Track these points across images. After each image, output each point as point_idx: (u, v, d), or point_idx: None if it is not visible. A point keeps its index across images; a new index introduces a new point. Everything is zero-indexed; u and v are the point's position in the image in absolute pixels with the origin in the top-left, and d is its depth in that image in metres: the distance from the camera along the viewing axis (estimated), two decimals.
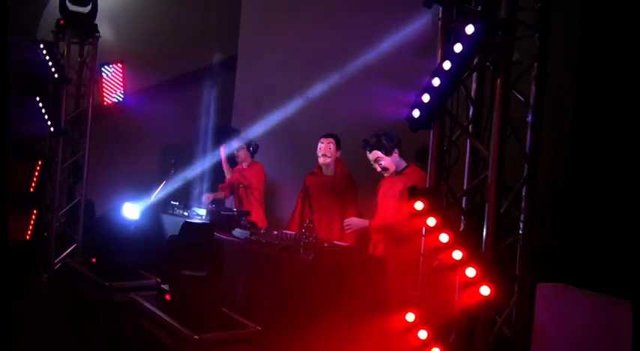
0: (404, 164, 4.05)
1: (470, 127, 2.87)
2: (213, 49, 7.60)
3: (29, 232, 5.76)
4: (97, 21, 6.03)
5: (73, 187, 6.20)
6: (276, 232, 4.23)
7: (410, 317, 2.54)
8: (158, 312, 3.31)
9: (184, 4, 7.58)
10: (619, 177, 3.17)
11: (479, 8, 2.68)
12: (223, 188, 5.67)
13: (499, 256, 2.58)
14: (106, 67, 6.31)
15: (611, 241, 3.11)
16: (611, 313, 2.57)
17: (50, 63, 5.71)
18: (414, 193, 2.48)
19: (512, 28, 2.58)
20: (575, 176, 3.47)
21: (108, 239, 4.28)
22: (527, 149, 2.74)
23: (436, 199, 2.52)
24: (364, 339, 3.17)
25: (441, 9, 2.72)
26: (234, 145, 5.49)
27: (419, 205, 2.48)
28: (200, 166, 5.93)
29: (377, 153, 3.99)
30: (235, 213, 4.77)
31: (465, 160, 2.86)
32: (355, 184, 4.72)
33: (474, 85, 2.89)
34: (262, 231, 4.43)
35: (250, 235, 4.11)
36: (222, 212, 4.74)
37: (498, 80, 2.57)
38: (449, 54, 2.54)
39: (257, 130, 6.65)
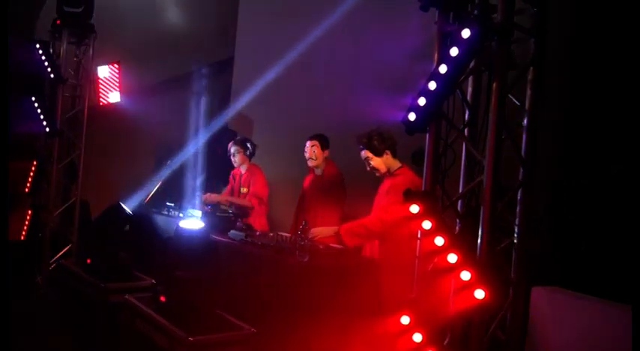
0: (398, 165, 4.04)
1: (466, 130, 2.87)
2: (210, 50, 7.60)
3: (24, 233, 5.73)
4: (94, 21, 6.02)
5: (68, 188, 6.19)
6: (271, 234, 4.23)
7: (405, 320, 2.55)
8: (153, 313, 3.30)
9: (182, 5, 7.58)
10: (618, 174, 3.18)
11: (475, 12, 2.69)
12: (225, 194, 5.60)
13: (494, 259, 2.59)
14: (102, 67, 6.29)
15: (611, 241, 3.11)
16: (608, 318, 2.57)
17: (46, 63, 5.70)
18: (409, 196, 2.49)
19: (508, 33, 2.59)
20: (573, 175, 3.48)
21: (103, 240, 4.28)
22: (522, 153, 2.75)
23: (432, 202, 2.53)
24: (359, 341, 3.17)
25: (437, 13, 2.73)
26: (231, 148, 5.38)
27: (414, 209, 2.48)
28: (195, 168, 5.92)
29: (367, 153, 3.98)
30: (231, 215, 4.77)
31: (460, 163, 2.87)
32: (342, 183, 4.67)
33: (469, 89, 2.90)
34: (258, 233, 4.43)
35: (245, 237, 4.10)
36: (218, 214, 4.74)
37: (494, 84, 2.58)
38: (445, 58, 2.55)
39: (253, 131, 6.66)
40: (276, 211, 5.91)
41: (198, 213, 4.73)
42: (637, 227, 2.80)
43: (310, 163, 4.71)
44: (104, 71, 6.26)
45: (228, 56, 7.58)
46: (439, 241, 2.46)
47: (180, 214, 4.95)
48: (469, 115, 2.88)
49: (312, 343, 3.22)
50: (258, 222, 5.09)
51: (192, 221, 4.24)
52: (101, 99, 6.31)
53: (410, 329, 2.52)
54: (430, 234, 2.48)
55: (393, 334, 2.53)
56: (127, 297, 3.63)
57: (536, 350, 2.81)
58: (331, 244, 4.04)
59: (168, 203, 5.28)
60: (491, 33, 2.55)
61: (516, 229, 2.74)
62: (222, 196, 5.42)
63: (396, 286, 3.42)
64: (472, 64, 2.76)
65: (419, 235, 2.63)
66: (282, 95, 6.30)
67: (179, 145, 6.52)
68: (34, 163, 5.74)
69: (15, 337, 4.06)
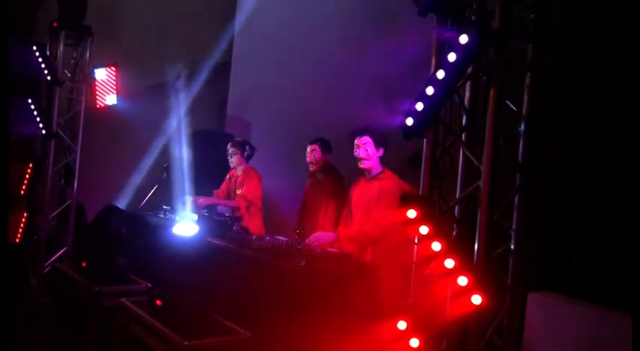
0: (380, 168, 4.04)
1: (463, 135, 2.88)
2: (207, 53, 7.60)
3: (19, 235, 5.71)
4: (92, 23, 6.01)
5: (63, 190, 6.15)
6: (268, 238, 4.22)
7: (402, 325, 2.54)
8: (148, 317, 3.29)
9: (179, 7, 7.58)
10: (616, 174, 3.18)
11: (473, 18, 2.70)
12: (218, 194, 5.61)
13: (491, 265, 2.59)
14: (99, 69, 6.28)
15: (610, 241, 3.11)
16: (603, 325, 2.57)
17: (43, 65, 5.68)
18: (406, 201, 2.49)
19: (505, 39, 2.60)
20: (571, 175, 3.48)
21: (99, 243, 4.26)
22: (519, 159, 2.75)
23: (429, 207, 2.53)
24: (356, 346, 3.16)
25: (435, 19, 2.74)
26: (229, 149, 5.39)
27: (412, 214, 2.48)
28: (191, 171, 5.90)
29: (368, 138, 3.97)
30: (228, 218, 4.75)
31: (458, 168, 2.87)
32: (343, 187, 4.65)
33: (467, 94, 2.91)
34: (254, 237, 4.41)
35: (242, 241, 4.08)
36: (214, 217, 4.72)
37: (491, 89, 2.59)
38: (443, 63, 2.55)
39: (251, 135, 6.66)
40: (273, 214, 5.90)
41: (195, 216, 4.71)
42: (637, 227, 2.80)
43: (311, 168, 4.68)
44: (101, 73, 6.24)
45: (226, 60, 7.59)
46: (436, 246, 2.46)
47: (177, 217, 4.93)
48: (466, 120, 2.89)
49: (308, 347, 3.21)
50: (253, 225, 5.08)
51: (186, 225, 4.23)
52: (98, 101, 6.29)
53: (407, 334, 2.51)
54: (427, 239, 2.48)
55: (390, 339, 2.52)
56: (122, 300, 3.61)
57: None
58: (328, 248, 4.04)
59: (164, 206, 5.26)
60: (488, 39, 2.56)
61: (513, 235, 2.75)
62: (211, 199, 5.43)
63: (393, 291, 3.41)
64: (470, 69, 2.77)
65: (416, 240, 2.63)
66: (279, 99, 6.31)
67: (175, 148, 6.51)
68: (30, 165, 5.72)
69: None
